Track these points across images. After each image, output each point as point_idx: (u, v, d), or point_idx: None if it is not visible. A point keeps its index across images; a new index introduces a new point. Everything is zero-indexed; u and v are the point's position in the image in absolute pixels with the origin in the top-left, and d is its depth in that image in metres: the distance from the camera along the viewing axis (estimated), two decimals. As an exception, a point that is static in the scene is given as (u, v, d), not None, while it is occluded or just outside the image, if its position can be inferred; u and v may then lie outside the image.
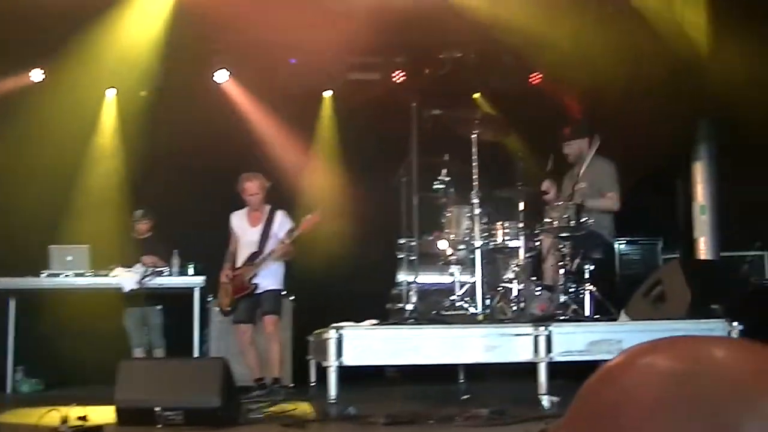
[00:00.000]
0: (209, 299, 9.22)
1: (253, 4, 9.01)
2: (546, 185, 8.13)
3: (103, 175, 10.74)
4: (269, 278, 8.33)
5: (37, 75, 10.62)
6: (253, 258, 8.28)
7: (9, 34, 9.53)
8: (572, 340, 6.38)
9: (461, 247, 7.66)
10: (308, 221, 8.10)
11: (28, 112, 10.31)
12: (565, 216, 7.36)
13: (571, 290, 7.43)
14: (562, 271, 7.49)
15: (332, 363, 6.18)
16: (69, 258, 8.66)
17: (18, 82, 10.51)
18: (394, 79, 10.98)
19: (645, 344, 1.39)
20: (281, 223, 8.35)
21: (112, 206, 10.32)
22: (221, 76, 10.99)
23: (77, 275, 8.62)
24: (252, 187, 8.30)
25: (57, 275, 8.62)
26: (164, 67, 10.31)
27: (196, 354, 8.61)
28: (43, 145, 10.09)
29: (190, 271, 8.78)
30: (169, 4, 9.67)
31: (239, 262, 8.37)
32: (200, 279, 8.71)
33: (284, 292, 8.70)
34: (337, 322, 6.46)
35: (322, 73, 10.88)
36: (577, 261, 7.51)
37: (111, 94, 11.05)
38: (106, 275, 8.70)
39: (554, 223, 7.44)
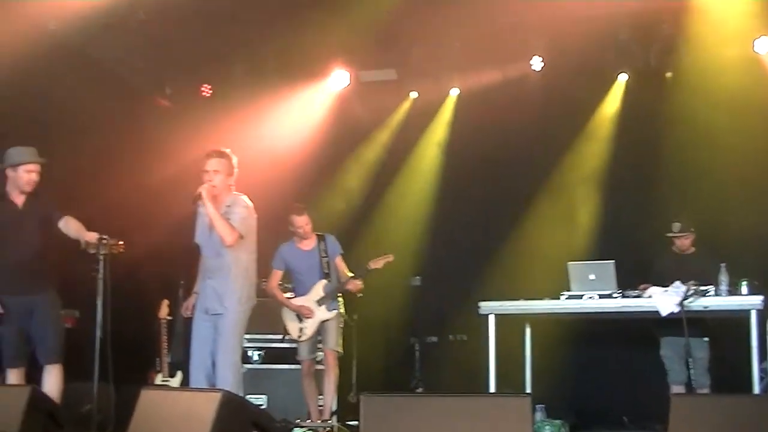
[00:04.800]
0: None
1: None
2: None
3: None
4: None
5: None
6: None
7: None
8: None
9: None
10: None
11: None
12: None
13: None
14: None
15: None
16: (591, 276, 8.16)
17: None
18: None
19: None
20: None
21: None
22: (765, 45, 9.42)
23: (602, 297, 8.09)
24: None
25: (579, 297, 8.16)
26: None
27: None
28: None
29: (744, 289, 7.91)
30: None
31: None
32: (758, 299, 7.75)
33: None
34: None
35: None
36: None
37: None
38: (637, 296, 8.12)
39: None
